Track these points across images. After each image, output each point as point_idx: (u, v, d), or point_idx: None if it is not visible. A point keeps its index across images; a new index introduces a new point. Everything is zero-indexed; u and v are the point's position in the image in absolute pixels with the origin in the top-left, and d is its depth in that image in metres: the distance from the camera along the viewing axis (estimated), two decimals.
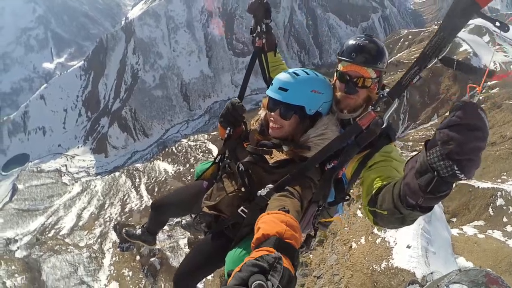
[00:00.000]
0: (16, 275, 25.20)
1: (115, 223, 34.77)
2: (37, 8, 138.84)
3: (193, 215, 2.52)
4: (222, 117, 2.25)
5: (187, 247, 25.19)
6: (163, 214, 2.80)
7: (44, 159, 78.83)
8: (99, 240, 34.71)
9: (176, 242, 26.28)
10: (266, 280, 0.90)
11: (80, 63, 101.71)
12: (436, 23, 54.72)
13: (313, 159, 1.76)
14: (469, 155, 1.02)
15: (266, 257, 0.99)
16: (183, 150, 59.52)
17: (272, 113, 1.95)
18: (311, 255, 12.02)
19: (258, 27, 2.36)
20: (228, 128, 2.25)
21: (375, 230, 8.90)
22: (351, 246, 9.02)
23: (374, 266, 8.45)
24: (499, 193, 13.80)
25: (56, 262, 26.26)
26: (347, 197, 2.02)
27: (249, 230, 1.84)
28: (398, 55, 43.17)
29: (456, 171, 1.03)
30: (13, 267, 25.88)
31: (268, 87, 2.20)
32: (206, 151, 55.41)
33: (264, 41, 2.39)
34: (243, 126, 2.28)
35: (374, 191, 1.68)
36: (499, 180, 15.34)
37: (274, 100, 1.93)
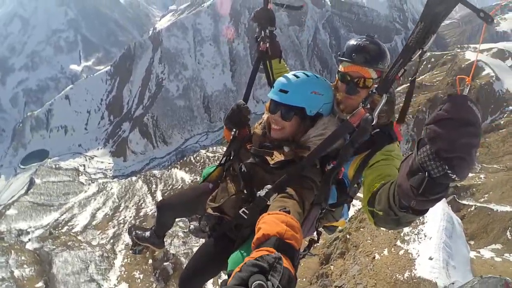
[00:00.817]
0: (25, 266, 25.39)
1: (130, 225, 34.54)
2: (69, 11, 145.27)
3: (198, 216, 2.51)
4: (227, 119, 2.27)
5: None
6: (168, 214, 2.77)
7: (63, 157, 79.93)
8: (111, 240, 34.55)
9: (190, 249, 26.05)
10: (266, 280, 0.90)
11: (107, 68, 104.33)
12: (459, 46, 54.02)
13: (308, 157, 1.77)
14: (459, 152, 0.91)
15: (266, 257, 0.99)
16: (201, 161, 59.64)
17: (273, 115, 1.96)
18: (332, 267, 12.28)
19: (262, 32, 2.39)
20: (234, 130, 2.27)
21: (398, 242, 9.11)
22: (374, 257, 9.05)
23: (397, 275, 8.64)
24: None
25: (68, 257, 26.23)
26: (349, 198, 2.04)
27: (251, 231, 1.83)
28: (421, 77, 42.49)
29: (448, 171, 0.93)
30: (22, 258, 26.11)
31: None
32: None
33: (267, 45, 2.41)
34: (248, 129, 2.28)
35: (374, 190, 1.63)
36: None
37: (275, 102, 1.95)
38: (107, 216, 47.35)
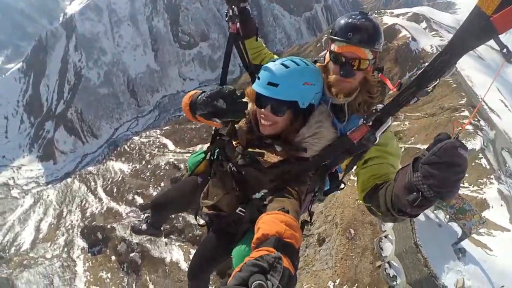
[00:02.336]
0: None
1: (83, 227, 34.31)
2: None
3: (193, 209, 2.48)
4: (224, 112, 1.74)
5: (163, 238, 25.85)
6: (162, 213, 2.88)
7: None
8: (65, 249, 34.37)
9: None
10: (266, 280, 0.90)
11: (18, 65, 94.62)
12: (376, 11, 58.60)
13: (307, 167, 1.78)
14: (448, 188, 1.13)
15: (266, 257, 1.00)
16: (136, 148, 58.25)
17: (263, 110, 1.82)
18: (313, 211, 14.71)
19: (230, 10, 2.13)
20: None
21: (351, 176, 8.83)
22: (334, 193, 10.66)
23: (358, 201, 9.45)
24: None
25: (29, 277, 26.10)
26: (342, 185, 1.98)
27: (251, 225, 1.89)
28: None
29: (437, 198, 1.16)
30: None
31: (249, 74, 2.19)
32: (161, 146, 54.74)
33: (238, 25, 2.16)
34: None
35: (369, 189, 1.75)
36: None
37: (263, 96, 1.78)
38: (52, 225, 46.13)
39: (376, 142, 1.55)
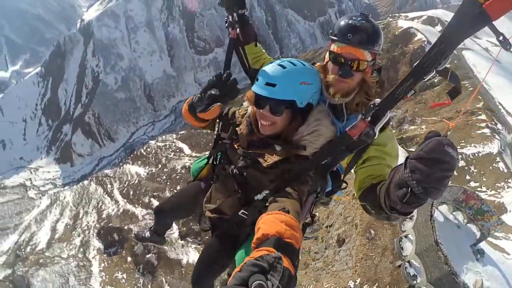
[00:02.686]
0: None
1: (99, 228, 34.42)
2: None
3: (196, 214, 2.52)
4: (210, 88, 1.91)
5: (180, 240, 25.93)
6: (166, 218, 2.90)
7: (6, 174, 73.96)
8: (81, 249, 34.26)
9: (168, 236, 26.63)
10: (266, 280, 0.90)
11: (37, 70, 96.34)
12: (390, 15, 58.14)
13: (308, 164, 1.77)
14: (433, 184, 1.15)
15: (266, 257, 1.00)
16: (153, 152, 58.69)
17: (262, 110, 1.85)
18: (316, 213, 13.31)
19: (230, 16, 2.17)
20: (218, 125, 2.18)
21: None
22: (354, 194, 8.95)
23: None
24: (460, 156, 15.51)
25: (45, 275, 26.03)
26: (344, 185, 2.00)
27: (253, 229, 1.78)
28: None
29: (423, 194, 1.18)
30: None
31: (250, 79, 2.19)
32: (177, 150, 54.97)
33: (238, 31, 2.21)
34: (221, 107, 2.04)
35: (365, 188, 1.77)
36: (458, 147, 16.96)
37: (262, 97, 1.81)
38: (68, 226, 46.08)
39: (376, 136, 1.54)
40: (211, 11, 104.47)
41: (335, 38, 1.90)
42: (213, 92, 1.87)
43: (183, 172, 43.89)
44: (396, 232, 8.97)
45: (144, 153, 59.99)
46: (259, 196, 1.77)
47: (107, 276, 25.96)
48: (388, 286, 7.72)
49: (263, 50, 2.63)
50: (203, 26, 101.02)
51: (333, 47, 1.92)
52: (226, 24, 2.22)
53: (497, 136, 17.93)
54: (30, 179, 71.78)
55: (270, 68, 1.84)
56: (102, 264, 27.89)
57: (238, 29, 2.21)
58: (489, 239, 8.39)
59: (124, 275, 24.97)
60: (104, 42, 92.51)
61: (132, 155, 63.16)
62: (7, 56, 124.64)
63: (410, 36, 36.30)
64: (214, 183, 2.22)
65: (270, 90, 1.78)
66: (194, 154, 50.52)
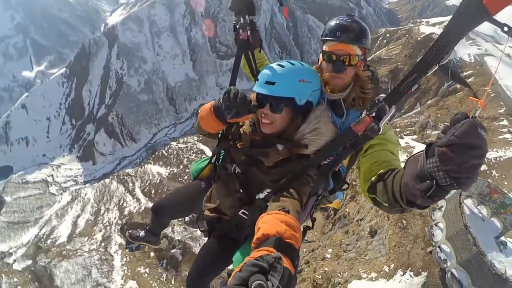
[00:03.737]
0: (19, 287, 24.44)
1: (122, 224, 34.07)
2: (15, 15, 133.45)
3: (195, 215, 2.48)
4: (231, 107, 1.83)
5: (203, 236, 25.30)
6: (164, 217, 2.80)
7: (28, 170, 75.17)
8: (103, 244, 33.77)
9: (192, 233, 26.18)
10: (266, 280, 0.89)
11: (62, 70, 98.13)
12: (412, 21, 57.39)
13: (309, 162, 1.75)
14: (467, 173, 1.04)
15: (266, 257, 0.98)
16: (174, 153, 59.27)
17: (262, 109, 1.87)
18: (346, 209, 14.01)
19: (242, 18, 2.24)
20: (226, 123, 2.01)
21: None
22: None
23: None
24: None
25: (68, 266, 25.55)
26: (346, 185, 1.99)
27: (253, 230, 1.70)
28: (378, 52, 45.22)
29: (454, 185, 1.07)
30: (15, 279, 25.13)
31: (255, 82, 2.14)
32: (199, 152, 55.55)
33: (248, 33, 2.27)
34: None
35: (373, 178, 1.69)
36: None
37: (262, 95, 1.85)
38: (90, 221, 46.02)
39: (380, 132, 1.55)
40: (232, 16, 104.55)
41: (326, 38, 1.97)
42: (231, 104, 1.81)
43: None
44: (427, 222, 9.58)
45: (166, 154, 60.57)
46: (260, 195, 1.75)
47: (129, 270, 25.37)
48: (420, 270, 8.33)
49: (266, 57, 2.67)
50: (224, 31, 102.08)
51: (325, 47, 2.00)
52: (238, 26, 2.29)
53: None
54: (52, 175, 72.71)
55: (270, 68, 1.87)
56: (124, 259, 27.34)
57: (249, 31, 2.27)
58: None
59: (147, 270, 24.37)
60: (128, 46, 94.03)
61: (153, 156, 64.19)
62: (32, 57, 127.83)
63: (431, 43, 36.09)
64: (215, 183, 2.20)
65: (269, 88, 1.81)
66: None
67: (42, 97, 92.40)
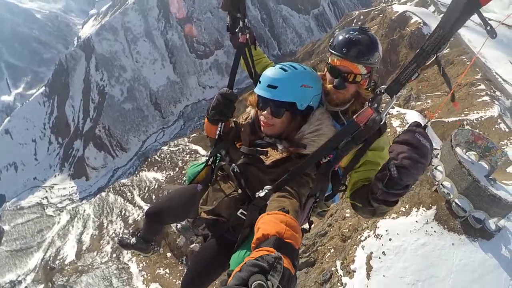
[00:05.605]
0: None
1: (133, 230, 33.66)
2: None
3: (190, 220, 2.44)
4: (213, 109, 2.05)
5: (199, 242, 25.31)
6: (158, 222, 2.70)
7: (21, 195, 73.32)
8: (114, 255, 33.32)
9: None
10: (266, 280, 0.90)
11: (41, 90, 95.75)
12: (384, 1, 58.32)
13: (312, 157, 1.73)
14: (404, 164, 1.31)
15: (266, 257, 0.99)
16: (167, 157, 58.52)
17: (263, 112, 1.88)
18: (313, 219, 14.11)
19: (241, 22, 2.24)
20: (219, 124, 2.14)
21: None
22: None
23: None
24: (465, 121, 17.85)
25: (89, 280, 25.39)
26: (344, 187, 1.98)
27: (250, 231, 1.81)
28: None
29: (396, 174, 1.33)
30: None
31: (254, 83, 2.18)
32: (192, 152, 54.92)
33: (247, 36, 2.30)
34: (232, 122, 2.20)
35: (356, 188, 1.84)
36: (463, 115, 19.10)
37: (263, 98, 1.86)
38: (95, 236, 45.11)
39: (382, 122, 1.58)
40: (207, 15, 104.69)
41: (332, 51, 1.95)
42: (212, 111, 2.04)
43: None
44: (428, 169, 10.38)
45: (159, 159, 59.75)
46: (260, 193, 1.72)
47: (149, 274, 25.31)
48: (430, 205, 9.61)
49: (264, 54, 2.64)
50: (201, 30, 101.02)
51: (330, 60, 1.99)
52: (237, 30, 2.27)
53: (496, 102, 20.20)
54: (46, 197, 70.99)
55: (272, 71, 1.86)
56: (141, 264, 27.18)
57: (247, 34, 2.29)
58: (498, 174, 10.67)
59: (167, 270, 24.46)
60: (106, 56, 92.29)
61: (146, 163, 63.01)
62: (8, 79, 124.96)
63: (407, 20, 37.58)
64: (212, 185, 2.17)
65: (271, 91, 1.82)
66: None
67: (25, 119, 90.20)
